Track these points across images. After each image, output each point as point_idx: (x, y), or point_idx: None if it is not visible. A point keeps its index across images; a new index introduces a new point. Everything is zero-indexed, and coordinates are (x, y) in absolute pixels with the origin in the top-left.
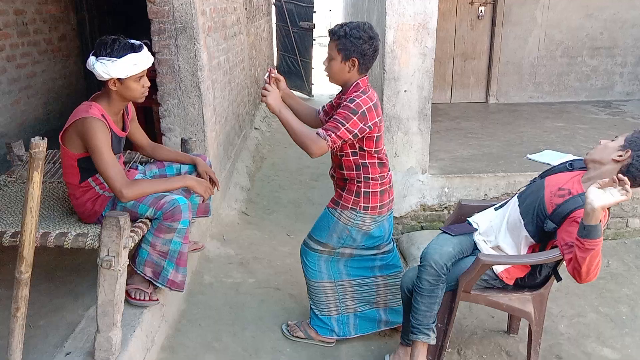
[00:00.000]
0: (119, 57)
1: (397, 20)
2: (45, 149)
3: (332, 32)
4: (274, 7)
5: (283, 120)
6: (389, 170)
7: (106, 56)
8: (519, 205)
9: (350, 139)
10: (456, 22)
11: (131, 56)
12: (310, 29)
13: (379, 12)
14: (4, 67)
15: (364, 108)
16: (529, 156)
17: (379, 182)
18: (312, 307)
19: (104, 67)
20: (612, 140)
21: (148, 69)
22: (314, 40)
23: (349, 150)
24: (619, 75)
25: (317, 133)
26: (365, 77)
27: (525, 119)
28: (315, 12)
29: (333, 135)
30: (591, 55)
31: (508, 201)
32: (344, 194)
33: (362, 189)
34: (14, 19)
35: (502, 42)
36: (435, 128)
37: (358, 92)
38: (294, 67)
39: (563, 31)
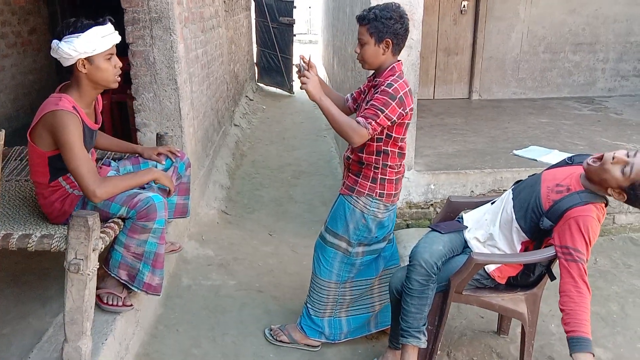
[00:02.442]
0: (84, 30)
1: None
2: (2, 142)
3: (361, 17)
4: (253, 2)
5: (324, 109)
6: (403, 161)
7: (70, 34)
8: (512, 198)
9: (389, 125)
10: (439, 17)
11: (96, 28)
12: (291, 25)
13: (362, 3)
14: None
15: (402, 93)
16: (515, 152)
17: (395, 170)
18: (308, 305)
19: (70, 45)
20: (627, 163)
21: (121, 58)
22: (294, 36)
23: (376, 136)
24: (601, 72)
25: (357, 121)
26: (400, 62)
27: (509, 114)
28: (295, 7)
29: (373, 122)
30: (573, 51)
31: (503, 194)
32: (360, 179)
33: (379, 175)
34: None
35: (485, 38)
36: (419, 124)
37: (394, 77)
38: (274, 64)
39: (546, 27)
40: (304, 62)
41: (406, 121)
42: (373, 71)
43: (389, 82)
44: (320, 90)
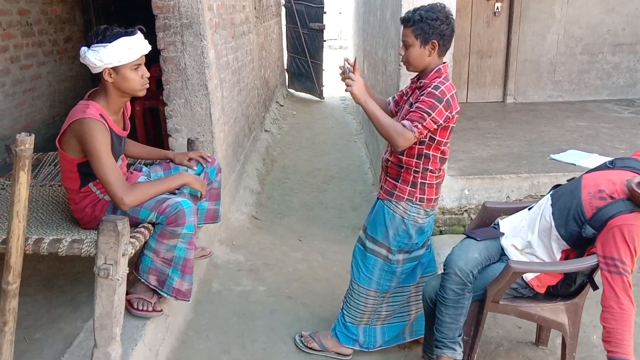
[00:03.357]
0: (111, 41)
1: None
2: (32, 146)
3: (406, 19)
4: (283, 9)
5: (368, 112)
6: (444, 166)
7: (98, 43)
8: (551, 205)
9: (435, 129)
10: (472, 19)
11: (124, 39)
12: (321, 30)
13: (393, 6)
14: (7, 68)
15: (448, 96)
16: (553, 156)
17: (435, 174)
18: (344, 312)
19: (96, 54)
20: None
21: (151, 65)
22: (324, 41)
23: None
24: None
25: (402, 124)
26: (445, 64)
27: (545, 118)
28: (325, 13)
29: (420, 126)
30: (612, 52)
31: (541, 200)
32: (399, 184)
33: (419, 180)
34: (17, 19)
35: (520, 39)
36: None
37: (441, 79)
38: (304, 69)
39: (583, 27)
40: (349, 64)
41: (451, 125)
42: (417, 73)
43: (435, 84)
44: (365, 92)
